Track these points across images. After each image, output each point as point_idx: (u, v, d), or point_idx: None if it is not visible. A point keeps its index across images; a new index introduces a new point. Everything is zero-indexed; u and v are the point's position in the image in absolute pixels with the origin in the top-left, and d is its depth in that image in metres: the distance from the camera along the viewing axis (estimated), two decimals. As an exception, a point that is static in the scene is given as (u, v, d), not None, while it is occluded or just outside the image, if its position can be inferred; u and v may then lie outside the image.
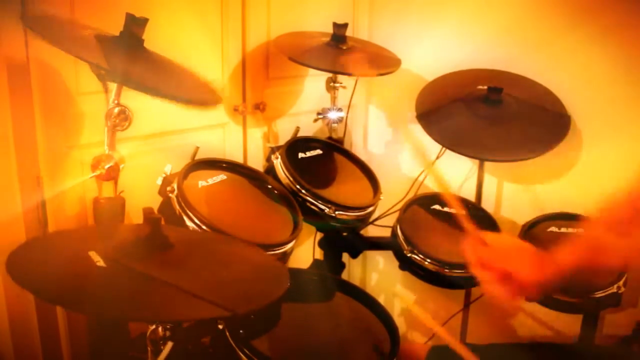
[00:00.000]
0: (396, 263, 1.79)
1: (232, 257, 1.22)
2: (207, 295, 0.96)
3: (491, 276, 1.08)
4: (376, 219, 2.00)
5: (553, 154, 1.84)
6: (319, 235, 1.99)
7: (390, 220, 1.89)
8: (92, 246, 1.04)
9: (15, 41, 1.46)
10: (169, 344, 1.05)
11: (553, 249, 1.10)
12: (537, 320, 2.15)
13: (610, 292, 1.62)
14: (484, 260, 1.10)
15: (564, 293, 1.64)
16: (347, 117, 2.12)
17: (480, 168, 2.06)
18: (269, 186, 1.70)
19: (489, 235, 1.15)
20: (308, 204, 1.69)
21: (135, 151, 1.62)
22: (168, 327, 1.09)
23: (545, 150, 1.84)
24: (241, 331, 1.31)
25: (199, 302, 0.96)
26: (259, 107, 2.05)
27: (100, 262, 1.00)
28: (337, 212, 1.70)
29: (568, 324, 1.89)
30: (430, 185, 2.17)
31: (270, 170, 1.76)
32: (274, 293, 1.08)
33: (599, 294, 1.63)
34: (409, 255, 1.72)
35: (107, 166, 1.42)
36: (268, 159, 1.80)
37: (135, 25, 1.37)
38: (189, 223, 1.41)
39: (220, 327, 1.32)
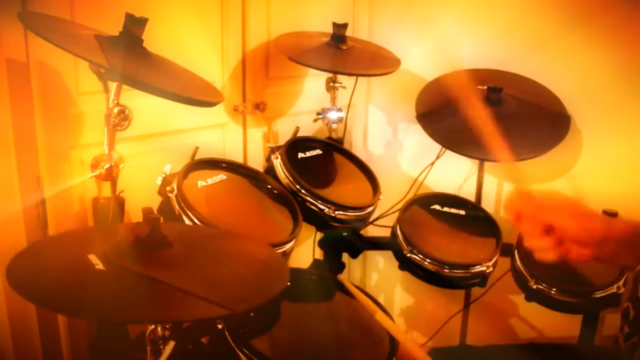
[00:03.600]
0: (396, 263, 1.79)
1: (231, 253, 1.22)
2: (206, 294, 0.96)
3: (533, 229, 1.00)
4: (376, 219, 2.00)
5: (553, 154, 1.84)
6: (319, 235, 1.99)
7: (390, 220, 1.89)
8: (91, 249, 1.04)
9: (15, 41, 1.46)
10: (171, 343, 1.05)
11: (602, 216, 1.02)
12: (537, 321, 2.15)
13: (610, 292, 1.62)
14: (528, 212, 1.02)
15: (566, 293, 1.64)
16: (347, 117, 2.12)
17: (480, 168, 2.06)
18: (269, 186, 1.70)
19: (536, 190, 1.08)
20: (308, 203, 1.69)
21: (135, 151, 1.63)
22: (167, 327, 1.09)
23: (545, 150, 1.84)
24: (240, 331, 1.31)
25: (198, 301, 0.96)
26: (259, 107, 2.05)
27: (100, 266, 1.00)
28: (336, 212, 1.70)
29: (568, 324, 1.88)
30: (430, 185, 2.18)
31: (270, 170, 1.76)
32: (274, 290, 1.08)
33: (599, 294, 1.63)
34: (408, 255, 1.71)
35: (106, 166, 1.42)
36: (268, 159, 1.80)
37: (134, 25, 1.37)
38: (188, 223, 1.41)
39: (220, 326, 1.32)
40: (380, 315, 1.30)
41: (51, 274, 1.00)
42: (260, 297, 1.05)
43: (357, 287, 1.60)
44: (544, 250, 1.00)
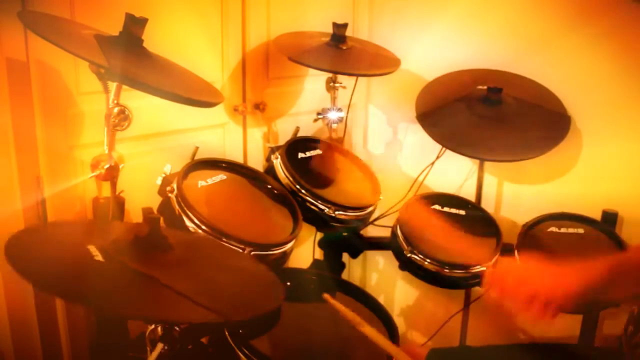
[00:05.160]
0: (396, 263, 1.79)
1: (230, 264, 1.23)
2: (202, 299, 0.96)
3: (519, 302, 1.10)
4: (376, 219, 2.00)
5: (553, 154, 1.84)
6: (319, 235, 1.99)
7: (390, 220, 1.89)
8: (91, 241, 1.04)
9: (15, 41, 1.46)
10: (159, 345, 1.05)
11: (577, 263, 1.11)
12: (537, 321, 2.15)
13: (610, 292, 1.62)
14: (510, 287, 1.11)
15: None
16: (347, 117, 2.12)
17: (480, 168, 2.06)
18: (269, 186, 1.70)
19: (504, 263, 1.18)
20: (308, 204, 1.69)
21: (135, 151, 1.63)
22: (167, 327, 1.09)
23: (545, 150, 1.84)
24: (240, 331, 1.31)
25: (194, 305, 0.95)
26: (259, 107, 2.05)
27: (99, 257, 1.00)
28: (337, 212, 1.70)
29: (568, 324, 1.88)
30: (430, 185, 2.18)
31: (270, 170, 1.76)
32: (269, 304, 1.09)
33: (599, 294, 1.62)
34: (408, 255, 1.71)
35: (106, 166, 1.42)
36: (268, 159, 1.80)
37: (134, 25, 1.37)
38: (188, 223, 1.41)
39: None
40: (367, 329, 1.30)
41: (50, 256, 0.99)
42: (255, 309, 1.06)
43: (355, 287, 1.60)
44: (534, 316, 1.11)
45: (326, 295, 1.40)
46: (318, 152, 1.92)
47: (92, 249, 1.01)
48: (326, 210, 1.69)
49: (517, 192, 2.16)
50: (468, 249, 1.66)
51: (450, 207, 1.91)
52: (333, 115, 2.06)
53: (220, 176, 1.63)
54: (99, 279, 0.97)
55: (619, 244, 1.76)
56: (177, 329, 1.11)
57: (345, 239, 1.96)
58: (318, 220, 1.72)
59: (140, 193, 1.54)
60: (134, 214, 1.62)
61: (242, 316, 1.03)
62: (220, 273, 1.15)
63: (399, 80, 2.13)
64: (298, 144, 1.88)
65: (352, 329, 1.47)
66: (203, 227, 1.40)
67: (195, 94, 1.44)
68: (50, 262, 0.97)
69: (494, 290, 1.15)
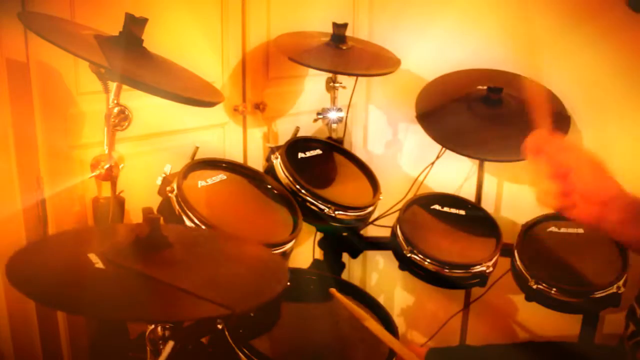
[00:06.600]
0: (396, 263, 1.79)
1: (231, 254, 1.22)
2: (206, 294, 0.96)
3: (548, 168, 0.99)
4: (376, 219, 2.00)
5: (553, 154, 1.84)
6: (319, 235, 1.99)
7: (390, 220, 1.89)
8: (91, 248, 1.04)
9: (15, 41, 1.46)
10: (170, 343, 1.05)
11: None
12: (537, 321, 2.15)
13: (610, 292, 1.62)
14: (548, 150, 1.00)
15: (566, 293, 1.64)
16: (347, 117, 2.12)
17: (480, 168, 2.06)
18: (269, 186, 1.70)
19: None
20: (308, 203, 1.69)
21: (135, 151, 1.63)
22: (167, 326, 1.09)
23: (545, 150, 1.84)
24: (240, 331, 1.31)
25: (198, 301, 0.96)
26: (259, 107, 2.05)
27: (100, 264, 1.00)
28: (337, 212, 1.69)
29: (568, 324, 1.88)
30: (430, 185, 2.18)
31: (270, 170, 1.76)
32: (274, 290, 1.08)
33: (599, 294, 1.63)
34: (408, 255, 1.72)
35: (106, 166, 1.43)
36: (268, 159, 1.80)
37: (134, 25, 1.37)
38: (188, 223, 1.41)
39: (220, 326, 1.32)
40: (371, 323, 1.29)
41: (51, 271, 0.99)
42: (260, 298, 1.05)
43: (355, 287, 1.60)
44: (549, 194, 0.98)
45: (333, 290, 1.40)
46: (318, 152, 1.92)
47: (93, 257, 1.01)
48: (326, 210, 1.69)
49: (517, 192, 2.16)
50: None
51: (450, 207, 1.92)
52: (333, 115, 2.06)
53: (220, 176, 1.63)
54: (101, 287, 0.96)
55: (619, 244, 1.75)
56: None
57: (345, 238, 1.96)
58: (318, 220, 1.72)
59: (140, 193, 1.54)
60: (134, 214, 1.62)
61: (249, 305, 1.03)
62: (222, 265, 1.14)
63: (399, 80, 2.13)
64: (298, 144, 1.88)
65: (352, 329, 1.47)
66: (203, 227, 1.40)
67: (195, 94, 1.44)
68: (52, 277, 0.97)
69: (531, 146, 1.03)
